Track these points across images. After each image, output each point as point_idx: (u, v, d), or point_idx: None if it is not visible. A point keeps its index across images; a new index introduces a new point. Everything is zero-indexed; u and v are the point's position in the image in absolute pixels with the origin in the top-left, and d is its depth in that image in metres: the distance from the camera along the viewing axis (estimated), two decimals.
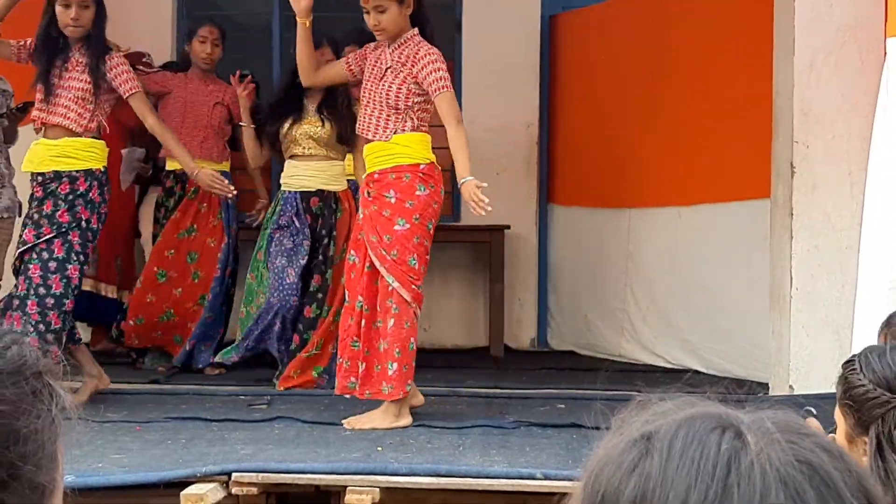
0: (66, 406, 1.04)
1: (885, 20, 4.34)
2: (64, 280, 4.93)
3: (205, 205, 6.32)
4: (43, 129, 5.11)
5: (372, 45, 4.95)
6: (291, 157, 5.82)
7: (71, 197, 4.99)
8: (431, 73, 4.69)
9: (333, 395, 5.51)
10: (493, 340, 7.26)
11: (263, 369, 6.30)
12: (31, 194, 5.11)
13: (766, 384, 5.38)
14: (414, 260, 4.67)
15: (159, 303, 6.19)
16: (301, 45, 5.01)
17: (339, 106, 5.75)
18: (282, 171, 6.04)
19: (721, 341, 6.29)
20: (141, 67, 6.81)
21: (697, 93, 6.49)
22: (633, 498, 0.83)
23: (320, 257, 5.74)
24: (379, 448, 4.39)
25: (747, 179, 5.92)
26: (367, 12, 4.74)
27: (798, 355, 5.01)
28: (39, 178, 5.04)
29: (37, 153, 5.08)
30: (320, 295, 5.74)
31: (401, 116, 4.75)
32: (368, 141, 4.83)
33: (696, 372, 6.23)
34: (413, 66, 4.72)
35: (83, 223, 5.00)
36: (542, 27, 7.61)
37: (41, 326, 4.89)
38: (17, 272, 5.06)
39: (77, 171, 5.01)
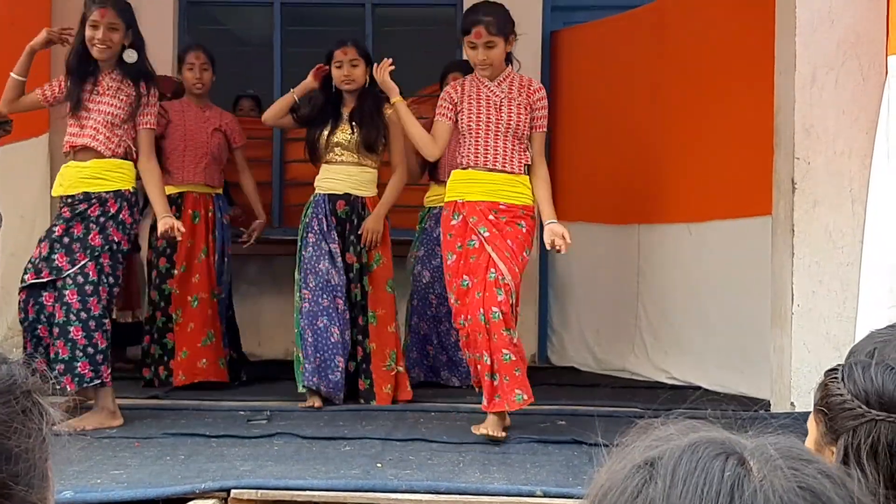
0: (57, 424, 1.03)
1: (886, 38, 4.34)
2: (101, 302, 4.96)
3: (203, 225, 6.41)
4: (72, 152, 5.11)
5: (456, 84, 5.13)
6: (326, 162, 5.88)
7: (102, 219, 5.00)
8: (542, 108, 5.04)
9: (332, 410, 5.51)
10: None
11: (264, 384, 6.30)
12: (59, 214, 5.09)
13: (769, 401, 5.36)
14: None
15: (200, 328, 6.26)
16: (412, 127, 5.16)
17: (368, 114, 5.81)
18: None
19: (729, 358, 6.27)
20: (170, 96, 6.83)
21: (700, 107, 6.49)
22: None
23: (356, 265, 5.76)
24: (379, 464, 4.38)
25: (755, 195, 5.91)
26: (475, 47, 4.97)
27: (799, 372, 4.99)
28: (69, 200, 5.04)
29: (66, 176, 5.08)
30: (363, 302, 5.77)
31: (523, 146, 4.99)
32: (466, 167, 4.99)
33: (698, 388, 6.22)
34: (529, 96, 5.00)
35: (114, 245, 5.03)
36: (544, 43, 7.62)
37: (90, 349, 4.92)
38: (33, 289, 4.96)
39: (107, 193, 5.02)
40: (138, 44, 5.15)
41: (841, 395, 1.91)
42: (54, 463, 1.04)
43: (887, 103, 4.13)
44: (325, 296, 5.67)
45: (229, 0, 8.07)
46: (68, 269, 4.93)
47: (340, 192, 5.81)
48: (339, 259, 5.74)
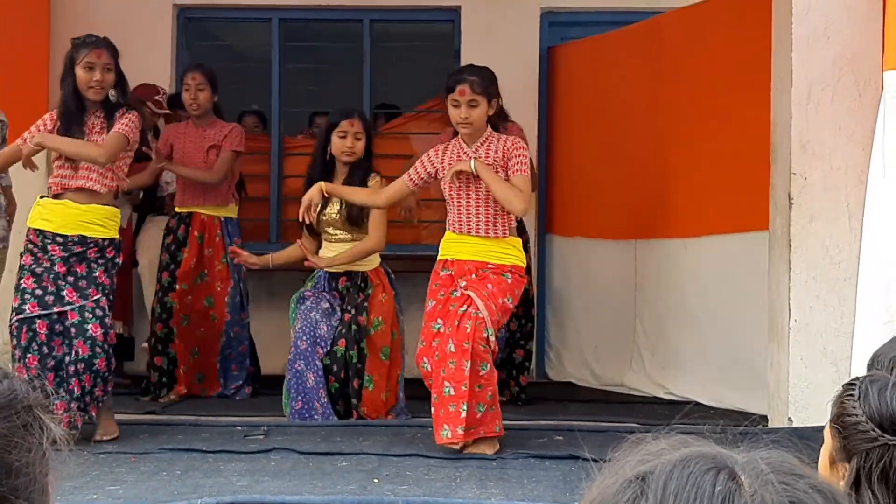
0: (57, 439, 1.03)
1: (882, 54, 4.35)
2: (110, 333, 5.05)
3: (210, 249, 6.49)
4: (62, 192, 5.08)
5: (438, 149, 5.14)
6: (325, 240, 5.88)
7: (102, 261, 5.05)
8: (518, 156, 4.97)
9: (329, 426, 5.50)
10: None
11: (261, 399, 6.29)
12: (42, 247, 5.02)
13: (766, 416, 5.36)
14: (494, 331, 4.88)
15: (188, 344, 6.41)
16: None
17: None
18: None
19: (726, 373, 6.27)
20: (151, 105, 6.86)
21: (696, 123, 6.50)
22: None
23: (353, 327, 5.71)
24: (375, 480, 4.37)
25: (752, 210, 5.92)
26: (457, 105, 4.96)
27: (796, 387, 4.99)
28: (59, 239, 5.01)
29: (59, 214, 5.03)
30: (360, 366, 5.70)
31: (505, 210, 4.98)
32: (454, 232, 5.03)
33: (697, 404, 6.22)
34: (506, 159, 4.98)
35: (113, 285, 5.15)
36: (541, 58, 7.64)
37: (107, 374, 5.00)
38: (27, 319, 4.97)
39: (103, 240, 5.06)
40: (121, 80, 5.13)
41: (856, 415, 1.90)
42: (54, 478, 1.05)
43: (883, 119, 4.14)
44: (305, 338, 5.65)
45: (227, 16, 8.09)
46: (81, 302, 4.97)
47: (341, 271, 5.80)
48: (334, 316, 5.71)
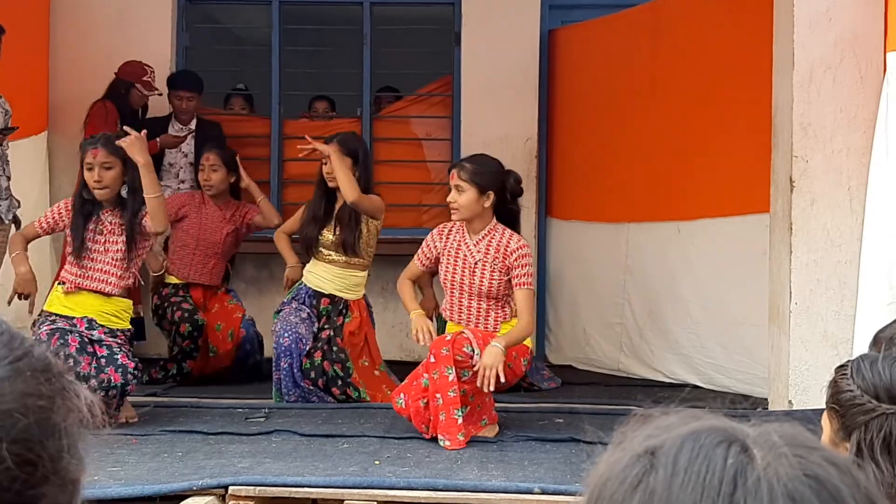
0: (90, 405, 1.05)
1: (885, 34, 4.34)
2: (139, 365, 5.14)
3: (216, 306, 6.49)
4: (75, 290, 5.05)
5: (441, 230, 5.11)
6: (317, 258, 5.84)
7: (116, 346, 5.03)
8: (522, 266, 4.88)
9: (330, 408, 5.51)
10: None
11: (263, 382, 6.28)
12: (62, 327, 4.99)
13: (765, 399, 5.36)
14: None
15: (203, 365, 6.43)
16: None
17: (349, 215, 5.73)
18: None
19: (720, 356, 6.28)
20: (140, 86, 6.84)
21: (697, 107, 6.49)
22: None
23: (325, 347, 5.69)
24: (377, 462, 4.38)
25: (747, 194, 5.92)
26: (451, 189, 4.95)
27: (797, 370, 4.99)
28: (73, 320, 5.00)
29: (77, 302, 5.02)
30: (339, 382, 5.68)
31: (500, 304, 4.96)
32: (453, 321, 4.99)
33: (695, 387, 6.22)
34: (506, 258, 4.90)
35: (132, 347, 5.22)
36: (542, 41, 7.61)
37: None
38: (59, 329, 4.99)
39: (118, 330, 5.08)
40: (133, 182, 5.02)
41: (851, 390, 1.90)
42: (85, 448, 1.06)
43: (886, 100, 4.13)
44: (287, 335, 5.63)
45: None
46: (109, 340, 5.00)
47: (326, 292, 5.78)
48: (313, 325, 5.72)
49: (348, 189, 5.53)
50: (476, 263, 4.93)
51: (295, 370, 5.63)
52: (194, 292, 6.45)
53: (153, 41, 7.42)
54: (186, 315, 6.33)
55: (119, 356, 4.97)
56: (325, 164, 5.74)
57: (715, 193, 6.33)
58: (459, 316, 4.98)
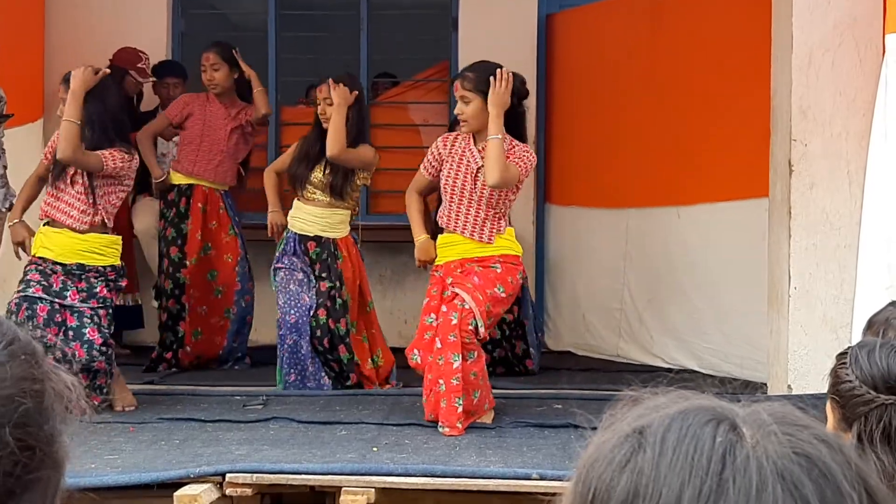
0: (74, 388, 1.04)
1: (884, 16, 4.31)
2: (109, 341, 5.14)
3: (214, 223, 6.48)
4: (49, 220, 5.15)
5: (447, 137, 5.13)
6: (299, 198, 5.84)
7: (103, 280, 5.10)
8: (519, 156, 4.88)
9: (328, 395, 5.50)
10: None
11: (260, 369, 6.28)
12: (51, 269, 5.06)
13: (765, 384, 5.35)
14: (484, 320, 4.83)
15: (193, 324, 6.40)
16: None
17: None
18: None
19: (719, 341, 6.27)
20: (133, 73, 6.82)
21: (695, 91, 6.46)
22: (626, 494, 0.80)
23: (328, 302, 5.69)
24: (374, 448, 4.37)
25: (746, 178, 5.90)
26: (458, 101, 4.99)
27: (796, 354, 4.98)
28: (59, 268, 5.05)
29: (57, 243, 5.08)
30: (347, 339, 5.71)
31: (498, 216, 4.96)
32: (444, 230, 5.00)
33: (694, 372, 6.21)
34: (509, 158, 4.87)
35: (113, 302, 5.24)
36: (539, 26, 7.58)
37: (108, 367, 5.06)
38: (29, 297, 5.02)
39: (104, 266, 5.11)
40: (88, 117, 5.07)
41: (850, 381, 1.89)
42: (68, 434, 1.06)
43: (885, 83, 4.11)
44: (292, 312, 5.64)
45: None
46: (81, 306, 5.02)
47: (311, 235, 5.77)
48: (311, 284, 5.70)
49: (333, 141, 5.52)
50: (479, 169, 4.93)
51: (302, 349, 5.61)
52: (197, 195, 6.40)
53: (149, 27, 7.39)
54: (171, 270, 6.33)
55: (87, 330, 4.98)
56: (319, 104, 5.73)
57: (714, 178, 6.31)
58: (456, 223, 4.96)
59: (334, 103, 5.59)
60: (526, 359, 6.44)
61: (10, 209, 5.75)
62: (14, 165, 5.99)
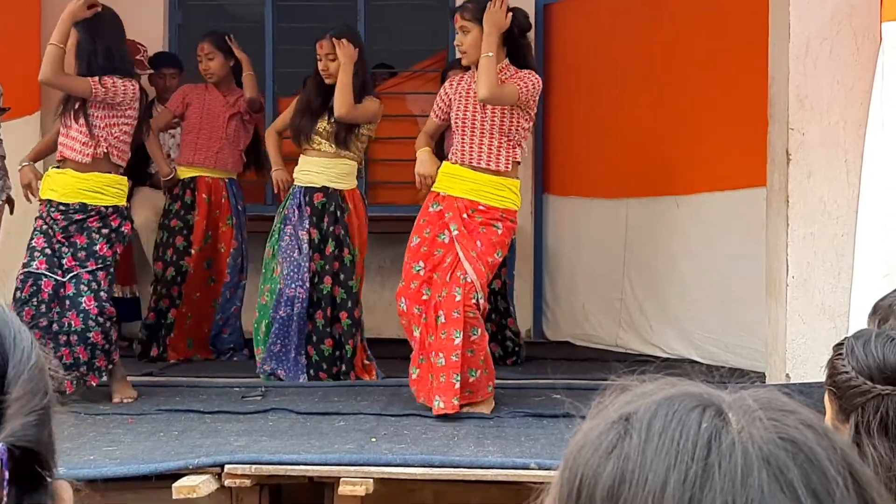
0: (58, 376, 1.05)
1: (881, 5, 4.31)
2: (111, 306, 5.13)
3: (217, 211, 6.52)
4: (63, 160, 5.19)
5: (453, 79, 5.16)
6: (305, 152, 5.82)
7: (106, 231, 5.10)
8: (521, 78, 4.88)
9: (327, 386, 5.50)
10: None
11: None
12: (48, 216, 5.10)
13: (763, 374, 5.35)
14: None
15: (186, 310, 6.44)
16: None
17: None
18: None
19: (718, 331, 6.27)
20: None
21: (694, 81, 6.46)
22: (612, 480, 0.80)
23: (336, 264, 5.68)
24: (373, 439, 4.37)
25: (745, 167, 5.89)
26: (458, 32, 4.99)
27: (794, 343, 4.98)
28: (62, 208, 5.08)
29: (60, 183, 5.12)
30: (350, 304, 5.69)
31: (512, 144, 4.94)
32: (454, 163, 4.97)
33: (693, 362, 6.22)
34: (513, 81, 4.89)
35: (116, 256, 5.22)
36: (537, 16, 7.56)
37: (106, 346, 5.06)
38: (33, 273, 5.03)
39: (105, 207, 5.11)
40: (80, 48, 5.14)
41: (846, 372, 1.89)
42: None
43: (881, 71, 4.11)
44: (293, 285, 5.63)
45: None
46: (78, 270, 5.01)
47: (318, 186, 5.74)
48: (310, 249, 5.67)
49: (341, 101, 5.52)
50: None
51: (293, 323, 5.59)
52: (201, 186, 6.44)
53: (146, 19, 7.38)
54: (175, 258, 6.36)
55: (84, 299, 4.98)
56: (320, 59, 5.71)
57: (713, 167, 6.31)
58: (471, 156, 4.94)
59: (341, 61, 5.57)
60: (507, 317, 6.44)
61: (6, 201, 5.75)
62: (11, 158, 5.98)
